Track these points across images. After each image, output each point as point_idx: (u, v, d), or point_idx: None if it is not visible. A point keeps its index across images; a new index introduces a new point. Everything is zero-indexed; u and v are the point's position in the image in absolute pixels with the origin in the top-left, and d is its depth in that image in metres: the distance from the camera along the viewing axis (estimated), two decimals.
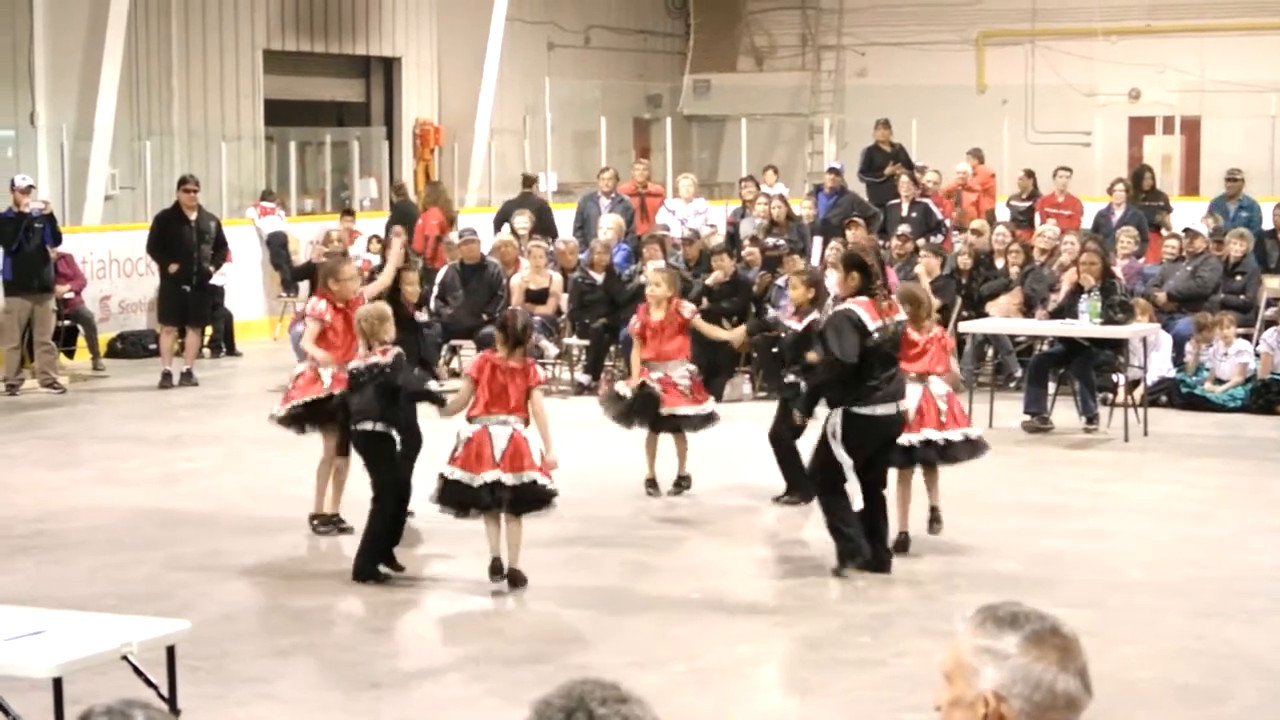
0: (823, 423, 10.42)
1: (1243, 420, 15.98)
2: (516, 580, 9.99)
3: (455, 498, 9.94)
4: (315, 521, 11.51)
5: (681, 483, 12.76)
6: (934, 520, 11.16)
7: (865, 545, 10.36)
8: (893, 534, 10.77)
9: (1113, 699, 7.58)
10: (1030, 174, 23.09)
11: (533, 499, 9.87)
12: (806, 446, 11.13)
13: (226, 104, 23.72)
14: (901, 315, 10.55)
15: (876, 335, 10.19)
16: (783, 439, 12.21)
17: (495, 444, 9.80)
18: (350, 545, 10.83)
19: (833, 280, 11.72)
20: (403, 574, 10.36)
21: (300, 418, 11.53)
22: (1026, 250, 18.52)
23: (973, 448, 11.20)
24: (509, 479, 9.78)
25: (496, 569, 10.03)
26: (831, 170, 22.36)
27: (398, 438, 10.32)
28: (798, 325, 12.09)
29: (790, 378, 12.12)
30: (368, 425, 10.32)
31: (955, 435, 11.07)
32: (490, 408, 9.87)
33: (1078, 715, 2.88)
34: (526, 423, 9.94)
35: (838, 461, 10.29)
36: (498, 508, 9.87)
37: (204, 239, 18.74)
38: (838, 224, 19.81)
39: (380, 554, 10.33)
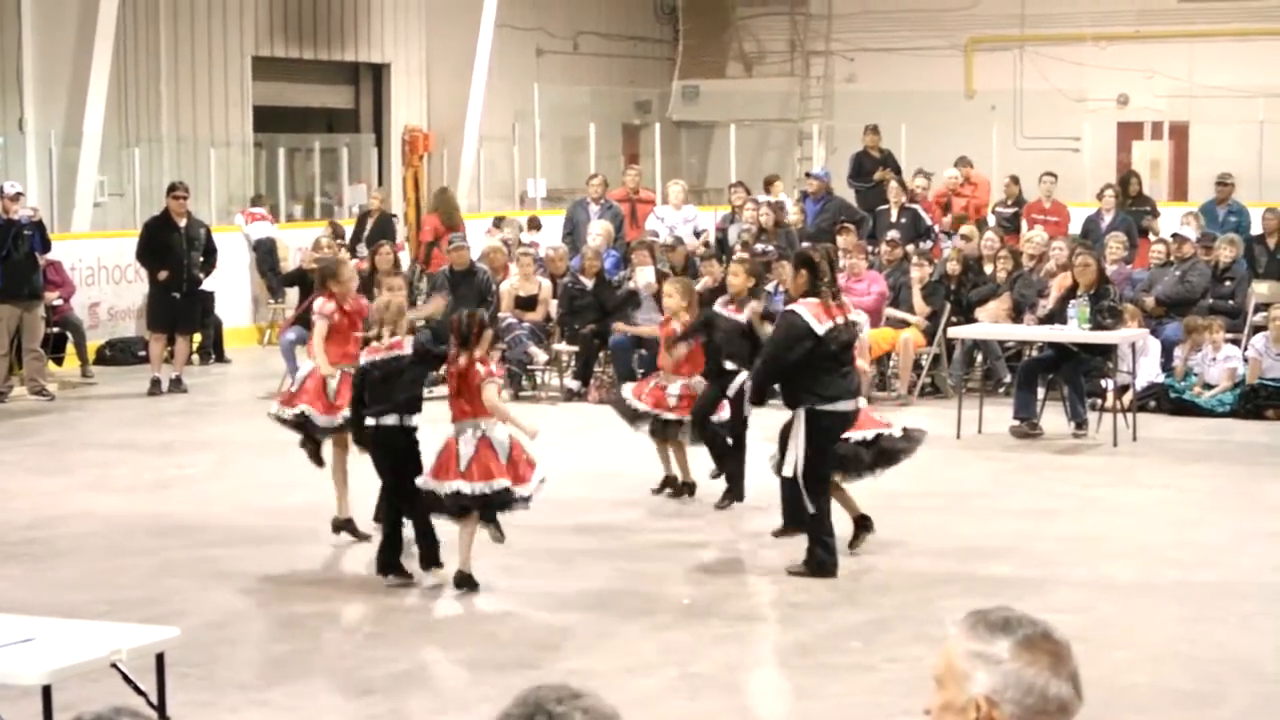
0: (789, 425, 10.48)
1: (1231, 425, 16.01)
2: (462, 583, 9.99)
3: (427, 507, 10.04)
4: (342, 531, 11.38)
5: (686, 489, 12.71)
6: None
7: (837, 565, 10.39)
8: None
9: (1105, 704, 7.59)
10: (1015, 180, 23.09)
11: (500, 505, 9.92)
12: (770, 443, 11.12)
13: (215, 110, 23.71)
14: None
15: (824, 335, 10.18)
16: (707, 422, 12.25)
17: (462, 453, 9.84)
18: (353, 552, 10.88)
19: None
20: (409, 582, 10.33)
21: (303, 426, 11.43)
22: (1015, 256, 18.54)
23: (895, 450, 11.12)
24: (476, 488, 9.78)
25: (462, 581, 10.05)
26: (810, 175, 22.34)
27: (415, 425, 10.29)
28: (737, 316, 12.18)
29: (730, 365, 12.14)
30: (390, 420, 10.22)
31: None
32: (460, 415, 9.95)
33: None
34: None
35: (824, 465, 10.34)
36: (463, 514, 9.92)
37: (193, 246, 18.69)
38: (827, 229, 19.81)
39: (397, 549, 10.30)
